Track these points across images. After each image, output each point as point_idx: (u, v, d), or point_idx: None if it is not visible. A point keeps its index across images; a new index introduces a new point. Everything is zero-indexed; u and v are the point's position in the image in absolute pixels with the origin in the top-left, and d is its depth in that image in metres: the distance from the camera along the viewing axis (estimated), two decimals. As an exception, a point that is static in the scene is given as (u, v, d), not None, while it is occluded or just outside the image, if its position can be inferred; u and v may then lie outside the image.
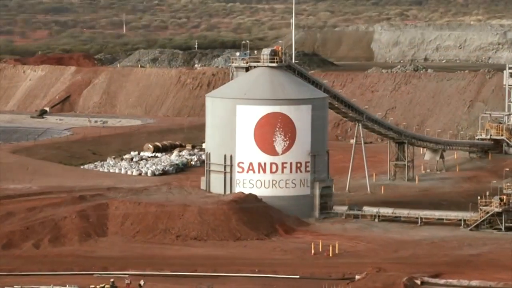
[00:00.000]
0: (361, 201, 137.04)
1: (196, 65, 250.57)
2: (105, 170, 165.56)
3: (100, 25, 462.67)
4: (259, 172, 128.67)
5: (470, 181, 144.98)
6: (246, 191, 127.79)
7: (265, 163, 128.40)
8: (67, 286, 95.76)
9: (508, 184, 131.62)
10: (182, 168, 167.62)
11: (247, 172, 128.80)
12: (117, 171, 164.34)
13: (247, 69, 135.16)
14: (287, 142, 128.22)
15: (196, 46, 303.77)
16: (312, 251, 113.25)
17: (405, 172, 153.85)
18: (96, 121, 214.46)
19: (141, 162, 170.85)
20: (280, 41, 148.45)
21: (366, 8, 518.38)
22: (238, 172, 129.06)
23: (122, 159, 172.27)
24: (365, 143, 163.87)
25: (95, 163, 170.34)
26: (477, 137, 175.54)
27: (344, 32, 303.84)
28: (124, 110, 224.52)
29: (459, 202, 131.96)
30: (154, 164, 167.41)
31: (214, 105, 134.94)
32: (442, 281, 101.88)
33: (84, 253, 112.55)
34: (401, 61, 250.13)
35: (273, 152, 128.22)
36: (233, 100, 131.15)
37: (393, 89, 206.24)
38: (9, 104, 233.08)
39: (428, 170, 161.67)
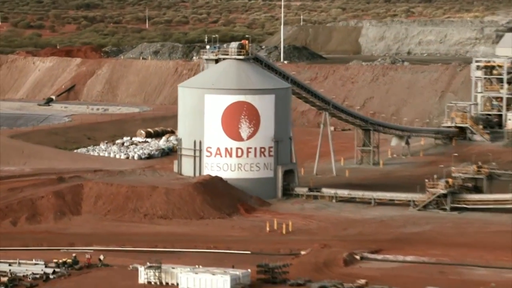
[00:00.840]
0: (326, 183, 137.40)
1: (194, 58, 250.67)
2: (96, 154, 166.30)
3: (125, 20, 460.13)
4: (225, 156, 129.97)
5: (430, 165, 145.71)
6: (214, 174, 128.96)
7: (231, 148, 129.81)
8: (33, 260, 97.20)
9: (456, 168, 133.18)
10: (168, 153, 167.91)
11: (215, 156, 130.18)
12: (106, 155, 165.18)
13: (216, 61, 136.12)
14: (252, 128, 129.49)
15: (206, 40, 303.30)
16: (267, 229, 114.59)
17: (370, 157, 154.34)
18: (98, 109, 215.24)
19: (131, 146, 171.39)
20: (247, 36, 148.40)
21: (377, 5, 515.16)
22: (207, 156, 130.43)
23: (113, 144, 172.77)
24: (343, 130, 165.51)
25: (88, 147, 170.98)
26: (442, 125, 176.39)
27: (335, 27, 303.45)
28: (125, 98, 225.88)
29: (415, 184, 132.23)
30: (142, 148, 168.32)
31: (185, 95, 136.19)
32: (380, 257, 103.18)
33: (57, 230, 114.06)
34: (386, 54, 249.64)
35: (239, 138, 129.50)
36: (201, 90, 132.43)
37: (371, 80, 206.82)
38: (19, 93, 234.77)
39: (394, 155, 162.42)
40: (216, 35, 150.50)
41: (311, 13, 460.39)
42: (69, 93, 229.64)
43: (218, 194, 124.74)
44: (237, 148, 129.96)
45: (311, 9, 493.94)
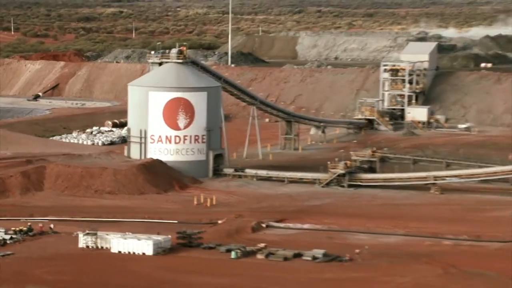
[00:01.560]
0: (252, 165, 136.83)
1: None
2: (68, 141, 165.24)
3: (116, 31, 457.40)
4: (166, 142, 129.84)
5: (340, 150, 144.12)
6: (156, 157, 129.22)
7: (170, 136, 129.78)
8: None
9: (354, 152, 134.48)
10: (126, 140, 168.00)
11: (157, 142, 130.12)
12: (76, 141, 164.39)
13: (160, 64, 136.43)
14: (188, 120, 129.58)
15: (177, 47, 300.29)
16: (195, 202, 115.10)
17: (292, 144, 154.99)
18: (76, 104, 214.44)
19: (98, 135, 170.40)
20: (185, 43, 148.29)
21: (326, 19, 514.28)
22: (150, 142, 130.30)
23: (83, 133, 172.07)
24: (276, 121, 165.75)
25: (62, 135, 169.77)
26: (354, 117, 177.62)
27: (276, 36, 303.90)
28: (100, 95, 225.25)
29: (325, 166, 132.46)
30: (106, 136, 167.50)
31: (133, 92, 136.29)
32: (282, 225, 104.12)
33: (21, 203, 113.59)
34: (317, 60, 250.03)
35: (177, 128, 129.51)
36: (146, 88, 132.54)
37: (300, 81, 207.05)
38: (12, 90, 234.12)
39: (313, 142, 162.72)
40: (159, 42, 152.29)
41: (270, 25, 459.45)
42: (54, 90, 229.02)
43: (157, 174, 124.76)
44: (175, 136, 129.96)
45: (271, 22, 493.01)
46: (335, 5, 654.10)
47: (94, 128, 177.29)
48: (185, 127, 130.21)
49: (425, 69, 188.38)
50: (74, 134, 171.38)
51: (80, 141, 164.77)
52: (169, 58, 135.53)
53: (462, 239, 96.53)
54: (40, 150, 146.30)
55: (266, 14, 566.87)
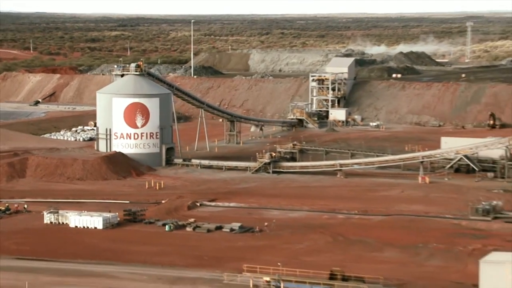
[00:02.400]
0: (200, 156, 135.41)
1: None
2: (56, 137, 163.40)
3: (115, 49, 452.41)
4: (126, 138, 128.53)
5: (274, 144, 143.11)
6: (119, 150, 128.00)
7: (130, 133, 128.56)
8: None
9: (279, 145, 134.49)
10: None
11: (120, 138, 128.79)
12: (62, 138, 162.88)
13: (122, 75, 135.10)
14: (144, 120, 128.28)
15: (158, 62, 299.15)
16: (147, 186, 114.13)
17: (234, 139, 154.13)
18: (69, 108, 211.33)
19: (81, 133, 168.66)
20: (142, 59, 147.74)
21: (286, 39, 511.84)
22: (114, 138, 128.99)
23: (69, 131, 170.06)
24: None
25: (52, 133, 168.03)
26: (288, 118, 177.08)
27: (233, 53, 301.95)
28: (88, 101, 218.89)
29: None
30: (87, 134, 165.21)
31: (100, 97, 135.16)
32: (213, 204, 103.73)
33: (6, 188, 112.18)
34: (264, 72, 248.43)
35: (135, 126, 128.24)
36: (111, 95, 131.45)
37: (247, 88, 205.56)
38: (18, 98, 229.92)
39: (252, 137, 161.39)
40: (121, 59, 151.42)
41: (240, 44, 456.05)
42: (51, 97, 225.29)
43: (118, 164, 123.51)
44: (134, 133, 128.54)
45: (241, 42, 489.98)
46: (296, 28, 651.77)
47: (79, 127, 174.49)
48: (142, 126, 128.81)
49: (345, 78, 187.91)
50: (62, 132, 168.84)
51: (66, 138, 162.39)
52: (129, 71, 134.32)
53: (353, 213, 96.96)
54: (32, 145, 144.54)
55: (239, 35, 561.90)
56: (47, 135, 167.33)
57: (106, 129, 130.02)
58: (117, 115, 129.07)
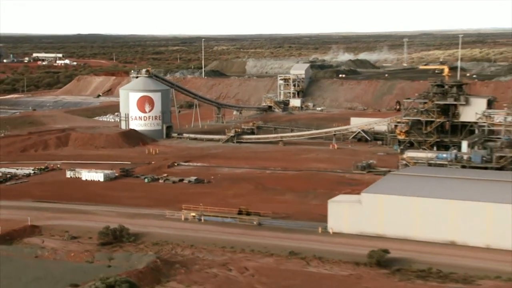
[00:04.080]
0: (192, 131, 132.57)
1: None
2: (102, 119, 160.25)
3: (170, 59, 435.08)
4: (138, 120, 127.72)
5: (249, 123, 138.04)
6: (133, 128, 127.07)
7: (141, 116, 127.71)
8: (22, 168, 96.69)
9: (243, 123, 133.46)
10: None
11: (134, 120, 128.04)
12: (106, 120, 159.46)
13: (137, 77, 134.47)
14: (150, 107, 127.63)
15: (191, 67, 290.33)
16: (147, 152, 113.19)
17: (220, 120, 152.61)
18: (117, 99, 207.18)
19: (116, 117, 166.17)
20: (150, 66, 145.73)
21: (290, 50, 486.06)
22: (131, 120, 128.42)
23: (112, 115, 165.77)
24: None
25: (100, 117, 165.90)
26: (262, 105, 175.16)
27: (236, 61, 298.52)
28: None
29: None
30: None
31: (122, 92, 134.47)
32: (186, 164, 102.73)
33: (54, 153, 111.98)
34: (254, 74, 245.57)
35: (144, 112, 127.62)
36: (128, 90, 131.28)
37: (238, 85, 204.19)
38: (87, 92, 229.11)
39: (234, 119, 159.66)
40: (136, 66, 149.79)
41: (255, 55, 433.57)
42: (108, 92, 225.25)
43: (131, 137, 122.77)
44: (143, 116, 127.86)
45: (257, 53, 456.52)
46: (300, 43, 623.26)
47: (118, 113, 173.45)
48: (149, 111, 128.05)
49: (303, 78, 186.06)
50: (107, 116, 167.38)
51: (108, 120, 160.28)
52: (140, 74, 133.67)
53: (277, 170, 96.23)
54: (84, 124, 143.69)
55: (258, 48, 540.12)
56: (96, 118, 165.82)
57: (125, 114, 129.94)
58: (132, 104, 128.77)
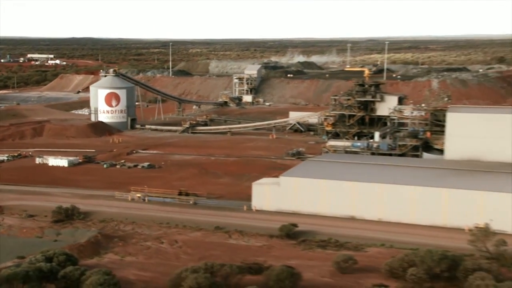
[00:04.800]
0: (154, 123, 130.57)
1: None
2: (78, 112, 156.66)
3: (149, 59, 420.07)
4: (106, 113, 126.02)
5: (202, 116, 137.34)
6: (102, 119, 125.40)
7: (108, 110, 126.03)
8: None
9: (199, 116, 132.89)
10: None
11: (102, 113, 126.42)
12: (82, 113, 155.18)
13: (105, 76, 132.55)
14: (116, 102, 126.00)
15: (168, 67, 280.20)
16: (111, 141, 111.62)
17: (181, 113, 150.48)
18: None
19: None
20: (117, 67, 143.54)
21: (255, 53, 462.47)
22: (100, 113, 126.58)
23: (87, 109, 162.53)
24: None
25: (77, 110, 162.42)
26: (218, 100, 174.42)
27: (201, 62, 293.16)
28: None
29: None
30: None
31: (92, 89, 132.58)
32: (144, 152, 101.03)
33: (29, 142, 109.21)
34: (217, 73, 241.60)
35: (111, 106, 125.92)
36: (97, 87, 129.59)
37: (200, 83, 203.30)
38: (68, 89, 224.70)
39: (193, 112, 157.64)
40: (106, 67, 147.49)
41: (222, 56, 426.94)
42: (87, 89, 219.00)
43: (99, 128, 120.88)
44: (110, 110, 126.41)
45: (224, 55, 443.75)
46: (265, 47, 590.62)
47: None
48: (116, 106, 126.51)
49: (255, 77, 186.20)
50: (83, 110, 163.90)
51: (83, 113, 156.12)
52: (109, 73, 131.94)
53: (221, 157, 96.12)
54: (62, 117, 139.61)
55: (228, 51, 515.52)
56: (73, 111, 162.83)
57: (95, 108, 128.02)
58: (101, 99, 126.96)
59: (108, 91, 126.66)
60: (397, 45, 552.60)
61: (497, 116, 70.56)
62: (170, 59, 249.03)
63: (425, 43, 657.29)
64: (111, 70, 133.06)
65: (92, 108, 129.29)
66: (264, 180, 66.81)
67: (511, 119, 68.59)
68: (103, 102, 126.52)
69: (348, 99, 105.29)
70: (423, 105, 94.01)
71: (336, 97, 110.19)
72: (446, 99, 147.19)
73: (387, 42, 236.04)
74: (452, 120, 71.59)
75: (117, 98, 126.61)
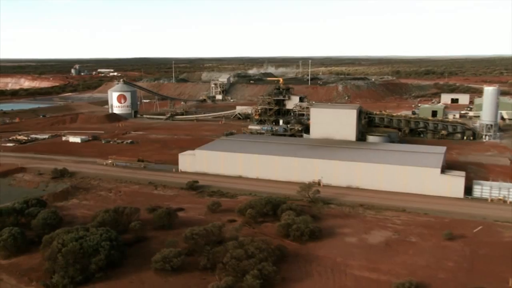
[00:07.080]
0: (151, 114, 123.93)
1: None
2: (106, 107, 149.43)
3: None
4: (119, 107, 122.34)
5: (180, 108, 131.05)
6: (114, 111, 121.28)
7: (119, 106, 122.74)
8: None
9: (180, 109, 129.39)
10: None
11: (116, 108, 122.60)
12: (106, 107, 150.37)
13: (118, 83, 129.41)
14: (125, 101, 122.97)
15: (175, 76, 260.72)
16: (117, 126, 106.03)
17: (172, 107, 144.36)
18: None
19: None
20: (124, 78, 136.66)
21: (241, 66, 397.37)
22: (114, 107, 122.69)
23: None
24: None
25: (106, 106, 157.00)
26: (200, 98, 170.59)
27: (196, 74, 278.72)
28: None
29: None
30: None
31: (109, 92, 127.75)
32: (134, 132, 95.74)
33: (68, 127, 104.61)
34: (206, 81, 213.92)
35: (121, 103, 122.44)
36: (112, 91, 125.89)
37: (191, 87, 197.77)
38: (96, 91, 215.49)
39: (182, 108, 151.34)
40: (121, 79, 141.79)
41: (221, 69, 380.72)
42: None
43: (112, 117, 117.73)
44: (120, 105, 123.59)
45: (223, 69, 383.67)
46: (256, 61, 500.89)
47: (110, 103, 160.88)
48: (124, 103, 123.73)
49: (225, 83, 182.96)
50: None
51: (107, 107, 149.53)
52: (119, 82, 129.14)
53: (182, 136, 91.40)
54: (91, 110, 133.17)
55: (229, 65, 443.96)
56: (105, 106, 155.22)
57: (111, 104, 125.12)
58: (114, 98, 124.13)
59: (119, 93, 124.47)
60: (340, 61, 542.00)
61: (341, 111, 71.37)
62: (173, 71, 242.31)
63: (360, 60, 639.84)
64: (121, 80, 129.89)
65: (109, 104, 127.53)
66: (187, 152, 67.28)
67: (350, 113, 69.47)
68: (115, 100, 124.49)
69: (269, 98, 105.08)
70: (312, 102, 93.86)
71: (262, 96, 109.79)
72: (346, 98, 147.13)
73: (310, 61, 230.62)
74: (313, 113, 72.30)
75: (125, 98, 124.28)
